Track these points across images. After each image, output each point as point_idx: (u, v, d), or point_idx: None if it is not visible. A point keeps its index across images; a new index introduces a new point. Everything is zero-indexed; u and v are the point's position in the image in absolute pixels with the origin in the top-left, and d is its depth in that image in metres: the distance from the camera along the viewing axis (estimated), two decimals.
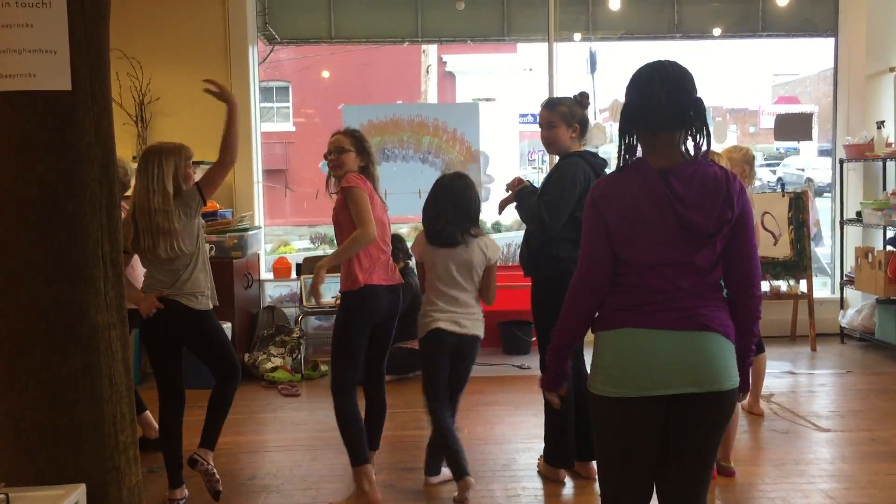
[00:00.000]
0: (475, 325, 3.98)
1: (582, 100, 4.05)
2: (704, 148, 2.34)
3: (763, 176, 15.91)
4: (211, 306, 3.88)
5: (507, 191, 4.20)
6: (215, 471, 3.83)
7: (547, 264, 3.92)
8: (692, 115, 2.33)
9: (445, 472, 4.13)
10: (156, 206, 3.67)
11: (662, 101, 2.31)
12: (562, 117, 3.98)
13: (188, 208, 3.77)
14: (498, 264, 4.12)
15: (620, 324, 2.35)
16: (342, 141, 3.99)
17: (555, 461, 4.13)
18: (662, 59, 2.41)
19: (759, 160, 5.08)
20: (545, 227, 3.87)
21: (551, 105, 4.04)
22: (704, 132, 2.34)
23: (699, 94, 2.37)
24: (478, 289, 3.99)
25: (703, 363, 2.30)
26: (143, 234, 3.69)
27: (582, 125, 4.01)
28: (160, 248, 3.68)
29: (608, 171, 3.52)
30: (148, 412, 4.65)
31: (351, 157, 3.96)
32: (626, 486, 2.42)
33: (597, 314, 2.44)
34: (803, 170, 15.99)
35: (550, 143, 4.04)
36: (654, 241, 2.31)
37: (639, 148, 2.39)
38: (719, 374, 2.32)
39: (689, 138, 2.35)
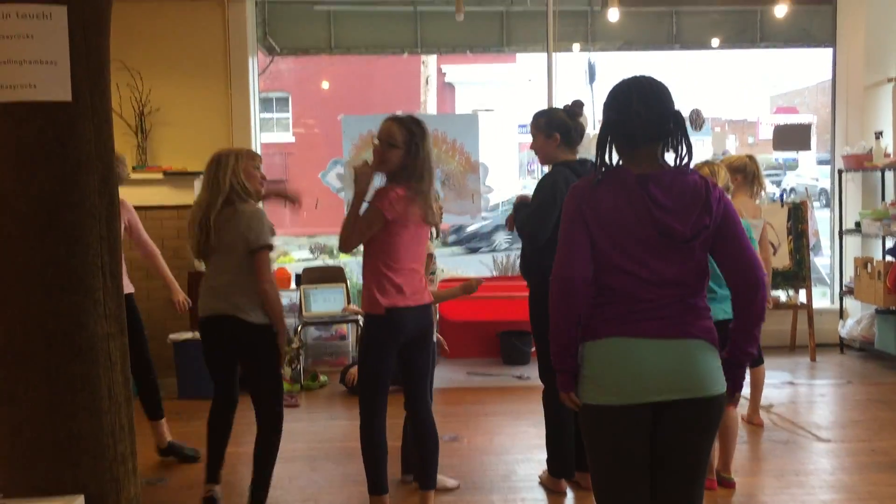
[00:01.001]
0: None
1: (574, 108, 4.08)
2: (686, 160, 2.36)
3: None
4: (266, 321, 3.68)
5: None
6: None
7: (538, 272, 3.95)
8: (672, 126, 2.36)
9: (443, 479, 4.12)
10: (211, 201, 3.68)
11: (642, 115, 2.33)
12: (538, 128, 4.06)
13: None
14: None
15: (605, 334, 2.35)
16: (393, 132, 3.59)
17: (556, 471, 4.13)
18: (638, 74, 2.43)
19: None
20: (531, 237, 3.95)
21: (532, 117, 4.15)
22: (685, 144, 2.36)
23: (677, 108, 2.39)
24: None
25: (688, 370, 2.31)
26: (192, 229, 3.71)
27: (563, 133, 4.02)
28: (202, 244, 3.69)
29: None
30: (162, 421, 4.64)
31: (396, 154, 3.56)
32: (621, 498, 2.41)
33: (581, 324, 2.42)
34: (817, 179, 15.95)
35: (536, 154, 4.16)
36: (632, 250, 2.32)
37: (617, 159, 2.41)
38: (705, 379, 2.33)
39: (671, 150, 2.37)
